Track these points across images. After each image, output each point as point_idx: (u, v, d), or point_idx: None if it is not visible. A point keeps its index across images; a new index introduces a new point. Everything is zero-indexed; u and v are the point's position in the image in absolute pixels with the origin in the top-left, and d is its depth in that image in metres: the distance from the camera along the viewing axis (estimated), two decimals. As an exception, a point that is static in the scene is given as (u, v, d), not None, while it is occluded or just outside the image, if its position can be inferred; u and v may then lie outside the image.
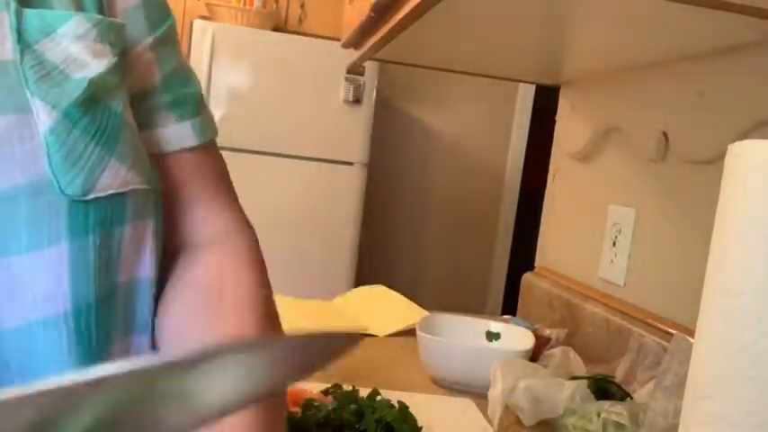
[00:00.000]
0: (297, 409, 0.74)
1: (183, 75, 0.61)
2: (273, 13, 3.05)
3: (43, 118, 0.47)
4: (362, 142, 2.84)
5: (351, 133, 2.82)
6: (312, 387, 0.81)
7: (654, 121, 1.07)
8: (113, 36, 0.53)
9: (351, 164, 2.83)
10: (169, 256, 0.58)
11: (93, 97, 0.50)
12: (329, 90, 2.78)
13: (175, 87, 0.60)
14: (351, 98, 2.79)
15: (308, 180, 2.75)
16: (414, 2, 0.83)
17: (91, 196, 0.48)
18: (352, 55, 1.40)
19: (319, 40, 2.82)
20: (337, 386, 0.79)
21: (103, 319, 0.51)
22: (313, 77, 2.77)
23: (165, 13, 0.61)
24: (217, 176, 0.63)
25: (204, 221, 0.60)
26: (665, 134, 1.05)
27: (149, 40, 0.58)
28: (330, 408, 0.73)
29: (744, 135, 0.86)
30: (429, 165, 3.53)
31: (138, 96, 0.58)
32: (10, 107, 0.46)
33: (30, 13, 0.49)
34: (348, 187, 2.83)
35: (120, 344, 0.53)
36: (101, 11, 0.54)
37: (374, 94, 2.85)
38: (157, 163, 0.57)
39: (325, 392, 0.79)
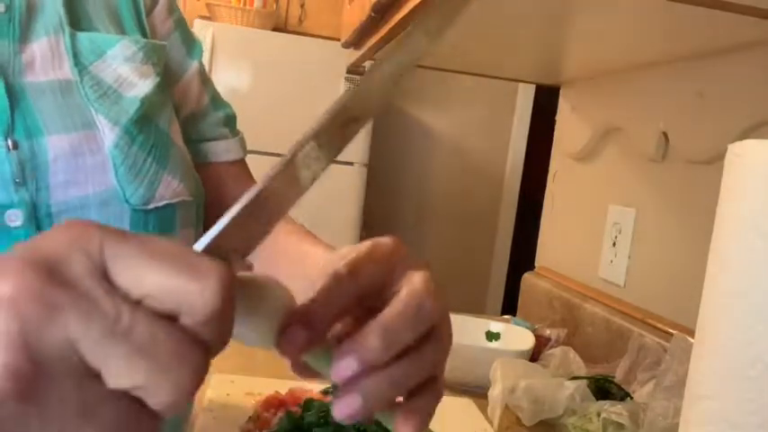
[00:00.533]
0: (297, 409, 0.74)
1: (220, 96, 0.69)
2: (273, 13, 3.05)
3: (107, 133, 0.52)
4: (362, 142, 2.84)
5: (351, 133, 2.82)
6: (312, 387, 0.82)
7: (654, 121, 1.07)
8: (156, 57, 0.58)
9: (351, 164, 2.83)
10: None
11: (146, 115, 0.55)
12: (329, 90, 2.78)
13: (221, 107, 0.69)
14: (351, 98, 2.79)
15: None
16: (414, 1, 0.83)
17: (150, 206, 0.53)
18: (353, 55, 1.40)
19: (319, 40, 2.82)
20: (337, 386, 0.78)
21: None
22: (313, 77, 2.77)
23: (191, 33, 0.68)
24: (252, 182, 0.70)
25: None
26: (665, 134, 1.05)
27: (193, 66, 0.65)
28: (330, 408, 0.73)
29: (744, 135, 0.86)
30: (429, 165, 3.53)
31: (193, 116, 0.65)
32: (79, 124, 0.51)
33: (82, 36, 0.53)
34: (348, 187, 2.83)
35: None
36: (144, 34, 0.59)
37: (374, 94, 2.85)
38: (206, 171, 0.64)
39: (325, 392, 0.79)
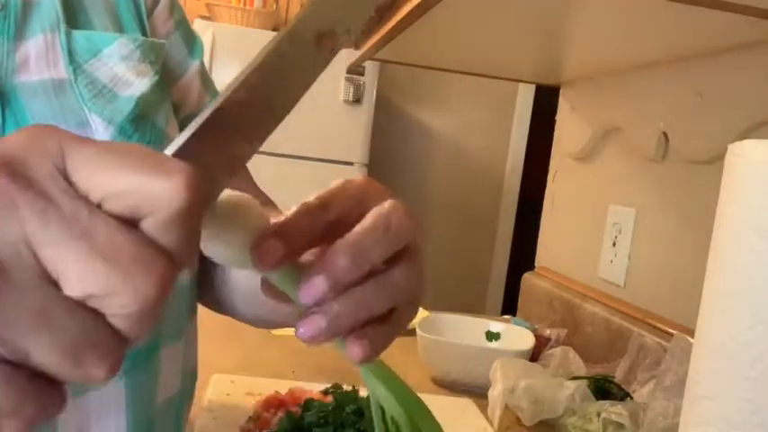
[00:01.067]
0: (297, 409, 0.74)
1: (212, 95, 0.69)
2: (273, 14, 3.05)
3: (102, 132, 0.52)
4: (362, 142, 2.84)
5: (351, 133, 2.82)
6: (312, 387, 0.82)
7: (654, 121, 1.07)
8: (154, 55, 0.57)
9: (351, 164, 2.83)
10: None
11: (141, 114, 0.55)
12: (329, 90, 2.78)
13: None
14: (351, 98, 2.79)
15: (307, 180, 2.75)
16: (414, 2, 0.83)
17: None
18: (353, 55, 1.40)
19: (319, 40, 2.82)
20: (337, 386, 0.79)
21: (161, 322, 0.54)
22: (313, 77, 2.76)
23: (193, 32, 0.67)
24: (251, 181, 0.74)
25: None
26: (665, 134, 1.05)
27: (194, 66, 0.65)
28: (330, 408, 0.73)
29: (744, 135, 0.86)
30: (429, 165, 3.53)
31: (192, 117, 0.61)
32: (72, 123, 0.51)
33: (77, 35, 0.53)
34: (348, 187, 2.83)
35: (167, 349, 0.56)
36: (143, 33, 0.59)
37: (374, 93, 2.85)
38: None
39: (325, 392, 0.79)
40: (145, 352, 0.53)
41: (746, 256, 0.39)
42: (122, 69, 0.54)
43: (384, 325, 0.35)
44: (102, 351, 0.24)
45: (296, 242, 0.33)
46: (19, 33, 0.51)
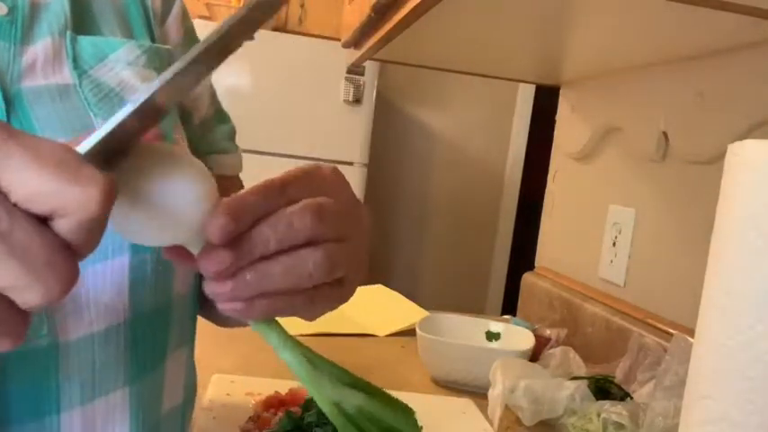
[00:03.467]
0: (297, 409, 0.74)
1: (223, 109, 0.70)
2: (273, 13, 3.05)
3: None
4: (362, 142, 2.84)
5: (351, 133, 2.82)
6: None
7: (654, 121, 1.07)
8: (158, 61, 0.57)
9: (351, 164, 2.83)
10: None
11: None
12: (329, 90, 2.78)
13: (227, 120, 0.70)
14: (351, 98, 2.79)
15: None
16: (414, 2, 0.83)
17: None
18: (353, 55, 1.40)
19: (319, 40, 2.82)
20: None
21: (159, 331, 0.54)
22: (313, 77, 2.77)
23: (199, 39, 0.67)
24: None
25: None
26: (665, 134, 1.05)
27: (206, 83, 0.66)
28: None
29: (744, 135, 0.86)
30: (429, 165, 3.53)
31: (201, 125, 0.67)
32: (78, 127, 0.51)
33: (83, 40, 0.53)
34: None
35: (172, 356, 0.56)
36: (152, 39, 0.59)
37: (374, 94, 2.85)
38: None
39: None
40: (151, 360, 0.53)
41: (745, 256, 0.39)
42: (128, 74, 0.55)
43: (284, 296, 0.38)
44: (5, 329, 0.28)
45: (246, 220, 0.36)
46: (25, 38, 0.51)
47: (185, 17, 0.65)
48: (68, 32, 0.52)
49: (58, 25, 0.52)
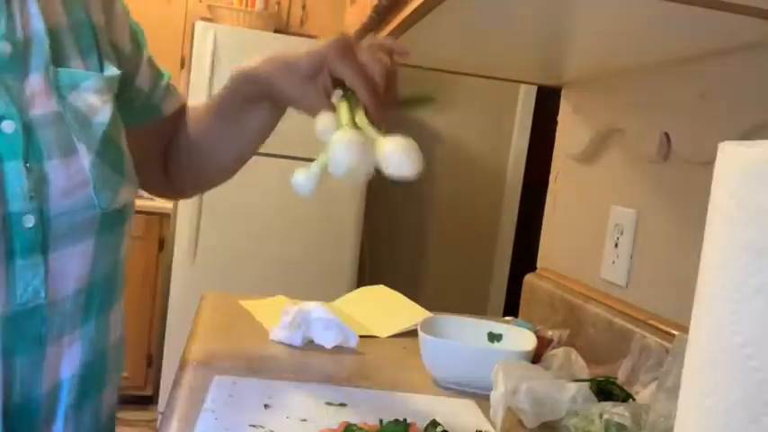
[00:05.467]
0: None
1: (157, 63, 0.85)
2: (275, 15, 3.05)
3: (85, 156, 0.65)
4: (364, 143, 2.84)
5: (352, 134, 2.82)
6: (313, 389, 0.81)
7: (655, 121, 1.07)
8: (114, 85, 0.71)
9: (352, 165, 2.83)
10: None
11: (108, 138, 0.68)
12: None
13: (164, 75, 0.87)
14: (352, 99, 2.79)
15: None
16: (415, 3, 0.83)
17: (112, 208, 0.68)
18: (354, 56, 1.40)
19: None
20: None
21: (111, 290, 0.74)
22: (314, 79, 2.76)
23: (136, 23, 0.80)
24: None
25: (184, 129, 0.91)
26: (666, 135, 1.04)
27: (145, 56, 0.81)
28: None
29: (746, 136, 0.86)
30: (431, 166, 3.53)
31: (150, 90, 0.83)
32: (68, 150, 0.64)
33: (62, 72, 0.65)
34: (349, 188, 2.83)
35: (113, 311, 0.76)
36: (100, 56, 0.71)
37: (376, 95, 2.85)
38: (166, 122, 0.88)
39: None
40: (104, 306, 0.73)
41: (725, 256, 0.39)
42: (95, 99, 0.67)
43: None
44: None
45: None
46: (25, 71, 0.62)
47: (125, 10, 0.78)
48: (51, 66, 0.63)
49: (44, 60, 0.63)
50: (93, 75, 0.67)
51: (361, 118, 0.70)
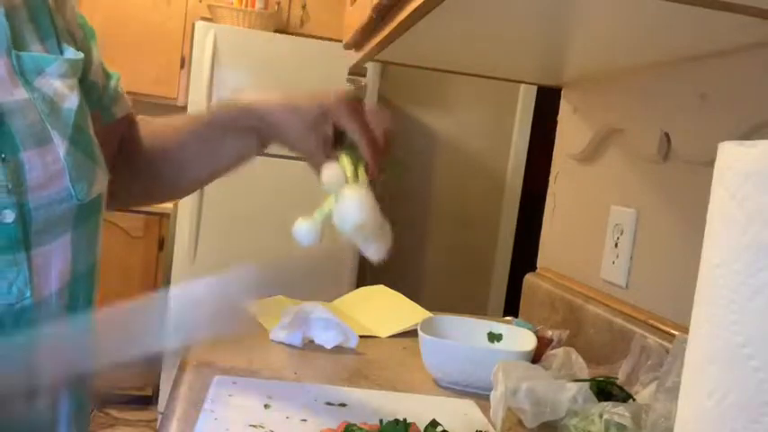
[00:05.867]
0: None
1: (106, 71, 0.82)
2: (275, 15, 3.05)
3: (60, 144, 0.63)
4: (364, 143, 2.84)
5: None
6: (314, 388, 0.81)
7: (656, 121, 1.07)
8: (78, 70, 0.68)
9: (352, 165, 2.83)
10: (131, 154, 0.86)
11: (78, 124, 0.66)
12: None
13: (113, 74, 0.82)
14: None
15: (309, 181, 2.75)
16: (415, 3, 0.83)
17: (88, 199, 0.66)
18: (354, 56, 1.40)
19: (321, 42, 2.82)
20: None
21: (92, 285, 0.72)
22: (315, 79, 2.77)
23: (82, 18, 0.77)
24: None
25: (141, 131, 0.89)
26: (666, 135, 1.04)
27: (95, 49, 0.77)
28: None
29: (746, 136, 0.86)
30: (431, 166, 3.53)
31: (103, 87, 0.79)
32: (42, 139, 0.61)
33: (25, 56, 0.62)
34: (350, 188, 2.83)
35: (94, 309, 0.72)
36: (58, 39, 0.67)
37: (376, 95, 2.85)
38: (117, 125, 0.83)
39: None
40: (88, 303, 0.71)
41: (724, 256, 0.39)
42: (60, 85, 0.64)
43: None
44: None
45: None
46: None
47: (72, 6, 0.75)
48: (13, 51, 0.60)
49: (6, 45, 0.60)
50: (56, 59, 0.65)
51: (361, 173, 0.72)
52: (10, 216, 0.59)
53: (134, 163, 0.86)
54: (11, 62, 0.60)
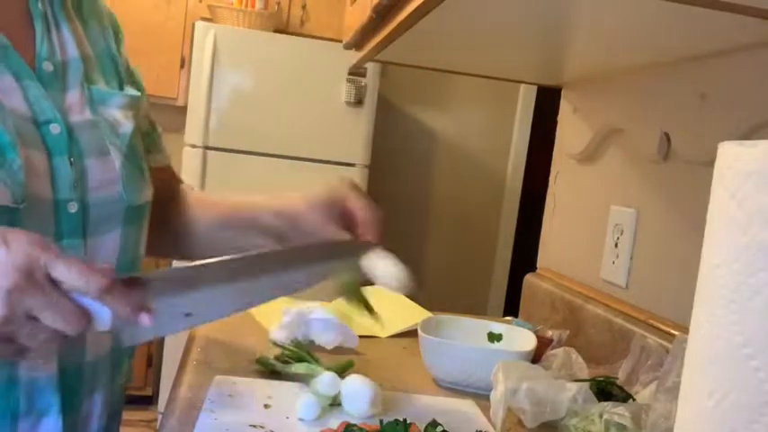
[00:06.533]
0: None
1: (152, 121, 0.94)
2: (275, 15, 3.05)
3: (116, 157, 0.77)
4: (364, 143, 2.84)
5: (352, 134, 2.82)
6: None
7: (655, 121, 1.07)
8: (134, 105, 0.83)
9: (352, 165, 2.83)
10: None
11: (131, 145, 0.80)
12: (331, 91, 2.78)
13: (157, 127, 0.95)
14: (352, 99, 2.79)
15: (309, 182, 2.75)
16: (415, 3, 0.83)
17: (136, 204, 0.79)
18: (354, 56, 1.40)
19: (321, 42, 2.82)
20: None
21: None
22: (315, 79, 2.77)
23: (134, 70, 0.90)
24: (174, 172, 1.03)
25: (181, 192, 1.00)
26: (666, 135, 1.04)
27: (144, 99, 0.89)
28: None
29: (746, 136, 0.86)
30: (431, 166, 3.53)
31: (147, 134, 0.91)
32: (103, 151, 0.76)
33: (94, 89, 0.78)
34: (350, 188, 2.83)
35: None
36: (120, 81, 0.84)
37: (376, 95, 2.85)
38: (158, 173, 0.92)
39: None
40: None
41: (724, 257, 0.39)
42: (118, 114, 0.80)
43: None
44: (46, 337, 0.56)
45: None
46: (64, 86, 0.75)
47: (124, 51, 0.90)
48: (86, 84, 0.77)
49: (79, 79, 0.77)
50: (117, 93, 0.81)
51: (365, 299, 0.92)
52: (74, 207, 0.72)
53: (172, 221, 0.95)
54: (83, 92, 0.76)
